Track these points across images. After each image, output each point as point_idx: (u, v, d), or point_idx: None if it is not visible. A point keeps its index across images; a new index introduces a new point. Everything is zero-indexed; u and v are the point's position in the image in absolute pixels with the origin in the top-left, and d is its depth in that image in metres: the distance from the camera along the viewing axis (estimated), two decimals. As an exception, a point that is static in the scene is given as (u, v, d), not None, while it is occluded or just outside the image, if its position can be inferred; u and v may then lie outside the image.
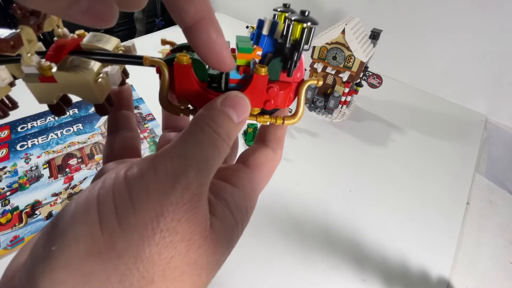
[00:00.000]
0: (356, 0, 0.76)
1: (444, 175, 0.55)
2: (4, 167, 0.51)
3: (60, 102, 0.15)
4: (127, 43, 0.17)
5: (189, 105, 0.15)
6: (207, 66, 0.15)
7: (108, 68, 0.15)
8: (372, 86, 0.62)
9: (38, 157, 0.53)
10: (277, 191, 0.49)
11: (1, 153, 0.53)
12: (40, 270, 0.09)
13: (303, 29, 0.13)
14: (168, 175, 0.10)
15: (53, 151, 0.54)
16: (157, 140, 0.57)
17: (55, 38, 0.15)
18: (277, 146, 0.16)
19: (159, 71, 0.14)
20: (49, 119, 0.61)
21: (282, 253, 0.41)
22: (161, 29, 1.07)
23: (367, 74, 0.61)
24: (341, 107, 0.67)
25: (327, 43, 0.57)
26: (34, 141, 0.56)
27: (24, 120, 0.61)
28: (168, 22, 1.46)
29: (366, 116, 0.68)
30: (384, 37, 0.59)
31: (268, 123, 0.16)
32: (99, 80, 0.14)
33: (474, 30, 0.64)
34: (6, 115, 0.15)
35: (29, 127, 0.59)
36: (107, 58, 0.14)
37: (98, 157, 0.53)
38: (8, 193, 0.47)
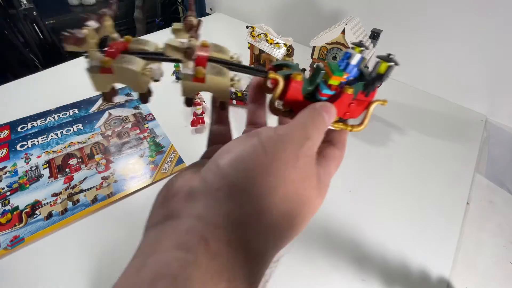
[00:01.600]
0: (356, 0, 0.76)
1: (444, 175, 0.55)
2: (4, 167, 0.51)
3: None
4: (234, 55, 0.20)
5: (289, 110, 0.20)
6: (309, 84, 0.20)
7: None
8: (372, 86, 0.62)
9: (38, 157, 0.53)
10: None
11: (1, 153, 0.53)
12: (229, 169, 0.15)
13: (388, 67, 0.18)
14: (301, 136, 0.16)
15: (53, 151, 0.54)
16: (157, 140, 0.57)
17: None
18: (341, 147, 0.21)
19: (275, 83, 0.19)
20: (49, 119, 0.61)
21: (282, 253, 0.41)
22: (161, 28, 1.07)
23: (367, 74, 0.61)
24: (341, 107, 0.67)
25: (327, 43, 0.57)
26: (34, 141, 0.56)
27: (24, 120, 0.61)
28: (168, 22, 1.46)
29: (366, 116, 0.68)
30: (384, 37, 0.59)
31: (339, 129, 0.21)
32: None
33: (474, 30, 0.64)
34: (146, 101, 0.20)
35: (29, 127, 0.59)
36: (232, 67, 0.19)
37: (98, 157, 0.53)
38: (8, 193, 0.47)
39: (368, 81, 0.19)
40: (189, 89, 0.19)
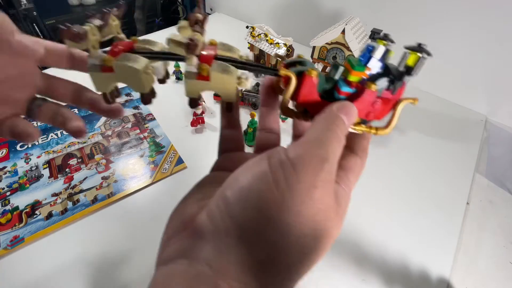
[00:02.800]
0: (356, 0, 0.76)
1: (444, 175, 0.55)
2: (4, 167, 0.51)
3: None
4: (243, 54, 0.19)
5: (303, 111, 0.18)
6: (324, 81, 0.18)
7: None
8: (372, 86, 0.62)
9: (38, 157, 0.53)
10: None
11: (1, 153, 0.53)
12: (238, 210, 0.13)
13: (418, 58, 0.16)
14: (318, 160, 0.14)
15: (53, 151, 0.54)
16: (157, 140, 0.57)
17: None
18: (363, 154, 0.19)
19: (286, 81, 0.17)
20: (49, 119, 0.61)
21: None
22: (161, 28, 1.07)
23: (367, 74, 0.61)
24: (341, 107, 0.67)
25: (327, 43, 0.57)
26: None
27: (24, 120, 0.61)
28: (168, 22, 1.46)
29: (366, 116, 0.68)
30: (384, 37, 0.59)
31: (362, 132, 0.18)
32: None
33: (474, 30, 0.64)
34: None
35: (29, 127, 0.59)
36: (242, 65, 0.18)
37: (98, 157, 0.53)
38: (8, 193, 0.47)
39: (395, 75, 0.17)
40: (193, 88, 0.18)
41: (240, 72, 0.18)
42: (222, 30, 1.02)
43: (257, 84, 0.66)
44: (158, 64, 0.18)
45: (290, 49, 0.67)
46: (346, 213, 0.17)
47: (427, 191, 0.51)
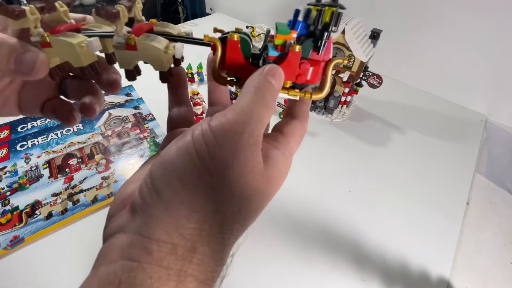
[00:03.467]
0: (356, 0, 0.76)
1: (444, 175, 0.55)
2: (4, 167, 0.51)
3: (134, 69, 0.20)
4: (187, 30, 0.20)
5: (234, 78, 0.19)
6: (251, 46, 0.18)
7: (176, 44, 0.19)
8: (372, 86, 0.62)
9: (38, 157, 0.53)
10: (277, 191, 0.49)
11: (1, 153, 0.53)
12: (162, 184, 0.14)
13: (332, 13, 0.16)
14: (238, 125, 0.14)
15: (53, 151, 0.54)
16: (157, 140, 0.57)
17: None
18: (304, 119, 0.20)
19: (214, 48, 0.18)
20: (49, 119, 0.61)
21: (282, 253, 0.41)
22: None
23: (367, 74, 0.61)
24: (341, 107, 0.67)
25: (327, 43, 0.57)
26: (34, 141, 0.56)
27: (24, 120, 0.61)
28: (168, 22, 1.46)
29: (366, 116, 0.68)
30: (384, 37, 0.59)
31: (298, 97, 0.19)
32: (168, 51, 0.18)
33: (474, 30, 0.64)
34: (88, 78, 0.20)
35: (29, 127, 0.59)
36: (177, 38, 0.19)
37: (98, 157, 0.53)
38: (8, 193, 0.47)
39: (316, 35, 0.17)
40: (123, 59, 0.19)
41: (169, 43, 0.19)
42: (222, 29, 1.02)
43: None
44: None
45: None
46: (285, 176, 0.18)
47: (427, 191, 0.51)
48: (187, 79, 0.74)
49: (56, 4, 0.19)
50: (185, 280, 0.13)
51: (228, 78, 0.19)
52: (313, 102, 0.66)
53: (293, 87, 0.18)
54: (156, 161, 0.15)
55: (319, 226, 0.45)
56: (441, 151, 0.60)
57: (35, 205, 0.45)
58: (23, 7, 0.17)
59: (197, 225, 0.14)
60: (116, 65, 0.20)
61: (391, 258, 0.42)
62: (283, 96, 0.18)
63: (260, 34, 0.70)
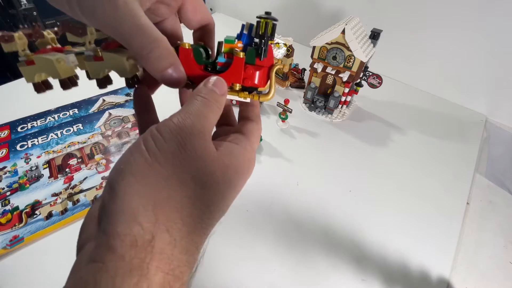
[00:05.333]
0: (356, 0, 0.76)
1: (444, 175, 0.55)
2: (4, 167, 0.51)
3: (105, 79, 0.22)
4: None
5: (190, 82, 0.22)
6: (203, 55, 0.21)
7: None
8: (372, 86, 0.62)
9: (38, 157, 0.53)
10: (277, 191, 0.49)
11: (1, 153, 0.53)
12: (116, 181, 0.15)
13: (266, 24, 0.19)
14: (180, 121, 0.16)
15: (53, 151, 0.54)
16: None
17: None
18: (258, 119, 0.23)
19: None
20: (49, 119, 0.61)
21: (282, 253, 0.41)
22: (161, 29, 1.07)
23: (367, 74, 0.61)
24: (341, 107, 0.67)
25: (327, 43, 0.57)
26: (34, 141, 0.56)
27: (24, 120, 0.61)
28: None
29: (366, 116, 0.68)
30: (384, 37, 0.59)
31: (248, 99, 0.22)
32: (130, 61, 0.21)
33: (474, 30, 0.64)
34: (68, 87, 0.22)
35: (29, 127, 0.59)
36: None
37: (98, 157, 0.53)
38: (8, 193, 0.47)
39: (255, 43, 0.20)
40: (93, 70, 0.21)
41: (130, 55, 0.21)
42: (222, 30, 1.02)
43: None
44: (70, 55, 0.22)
45: (290, 49, 0.67)
46: (248, 168, 0.20)
47: (427, 191, 0.51)
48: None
49: (44, 32, 0.22)
50: (148, 273, 0.14)
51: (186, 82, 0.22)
52: (313, 102, 0.66)
53: (243, 90, 0.22)
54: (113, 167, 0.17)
55: (319, 226, 0.45)
56: (441, 151, 0.60)
57: (35, 205, 0.45)
58: (13, 33, 0.20)
59: (153, 213, 0.15)
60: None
61: (391, 258, 0.42)
62: (233, 98, 0.21)
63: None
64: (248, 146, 0.20)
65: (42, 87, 0.22)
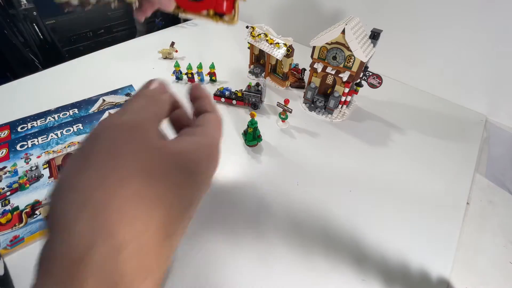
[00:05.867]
0: (356, 0, 0.76)
1: (444, 175, 0.55)
2: (4, 167, 0.51)
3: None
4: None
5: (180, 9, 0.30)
6: None
7: None
8: (372, 86, 0.62)
9: (38, 157, 0.53)
10: (277, 191, 0.49)
11: (1, 153, 0.53)
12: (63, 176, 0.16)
13: None
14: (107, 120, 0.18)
15: (53, 151, 0.54)
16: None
17: None
18: (212, 108, 0.23)
19: None
20: (49, 119, 0.61)
21: (282, 253, 0.41)
22: (161, 29, 1.07)
23: (367, 74, 0.61)
24: (341, 107, 0.67)
25: (327, 43, 0.57)
26: (34, 141, 0.56)
27: (24, 120, 0.61)
28: (168, 22, 1.46)
29: (366, 116, 0.68)
30: (384, 37, 0.59)
31: (220, 22, 0.29)
32: None
33: (474, 30, 0.64)
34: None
35: (29, 127, 0.59)
36: None
37: (98, 157, 0.53)
38: (8, 193, 0.47)
39: None
40: None
41: None
42: (222, 30, 1.02)
43: (257, 84, 0.66)
44: None
45: (290, 49, 0.67)
46: (208, 158, 0.19)
47: (427, 191, 0.51)
48: (188, 79, 0.74)
49: None
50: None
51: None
52: (313, 102, 0.66)
53: (215, 15, 0.29)
54: None
55: (319, 226, 0.45)
56: (441, 151, 0.60)
57: (35, 205, 0.45)
58: None
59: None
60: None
61: (391, 258, 0.42)
62: (207, 20, 0.30)
63: (260, 34, 0.70)
64: (204, 137, 0.20)
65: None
